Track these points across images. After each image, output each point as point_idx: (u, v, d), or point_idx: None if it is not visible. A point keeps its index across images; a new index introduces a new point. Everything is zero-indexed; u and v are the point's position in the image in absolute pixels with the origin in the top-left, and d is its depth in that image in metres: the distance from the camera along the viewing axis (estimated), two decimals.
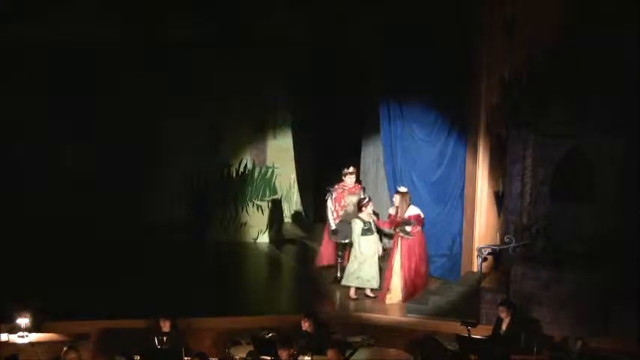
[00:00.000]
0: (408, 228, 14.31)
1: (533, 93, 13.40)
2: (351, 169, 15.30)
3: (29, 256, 15.81)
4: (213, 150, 18.53)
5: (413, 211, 14.45)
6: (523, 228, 13.53)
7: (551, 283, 12.82)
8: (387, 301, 14.31)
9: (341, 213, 15.02)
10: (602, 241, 13.00)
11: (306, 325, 12.05)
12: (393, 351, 12.22)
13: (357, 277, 14.42)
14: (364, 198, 14.73)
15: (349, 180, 15.17)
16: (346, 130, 17.33)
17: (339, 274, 14.96)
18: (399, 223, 14.39)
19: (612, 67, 12.96)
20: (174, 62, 17.68)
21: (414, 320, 13.64)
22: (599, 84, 12.99)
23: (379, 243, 14.65)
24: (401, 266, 14.30)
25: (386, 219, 14.84)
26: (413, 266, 14.34)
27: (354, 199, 14.97)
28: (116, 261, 16.09)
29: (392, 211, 14.65)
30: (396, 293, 14.32)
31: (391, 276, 14.35)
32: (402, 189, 14.62)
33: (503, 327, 12.31)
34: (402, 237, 14.33)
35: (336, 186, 15.20)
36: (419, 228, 14.42)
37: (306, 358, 11.35)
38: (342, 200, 15.08)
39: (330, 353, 10.85)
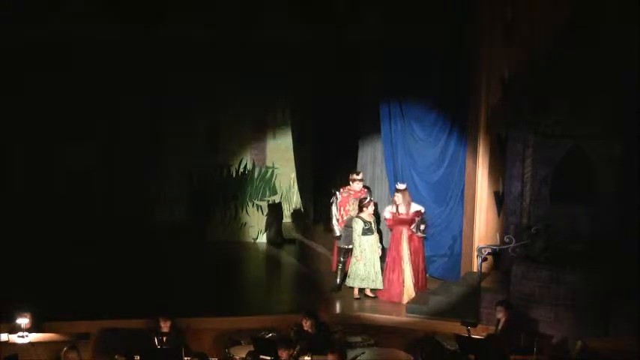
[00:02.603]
0: (422, 227, 14.37)
1: (533, 93, 13.40)
2: (360, 175, 15.14)
3: (28, 256, 15.80)
4: (213, 150, 18.53)
5: (414, 207, 14.47)
6: (523, 228, 13.52)
7: (551, 283, 12.81)
8: (405, 300, 14.16)
9: (345, 218, 14.86)
10: (601, 241, 12.99)
11: (306, 325, 12.04)
12: (393, 351, 12.22)
13: (362, 279, 14.37)
14: (365, 198, 14.66)
15: (357, 186, 15.06)
16: (346, 130, 17.32)
17: (338, 281, 14.71)
18: (403, 221, 14.37)
19: (612, 67, 12.95)
20: (174, 62, 17.68)
21: (414, 320, 13.64)
22: (599, 84, 12.99)
23: (379, 243, 14.65)
24: (411, 263, 14.29)
25: (388, 216, 14.77)
26: (418, 263, 14.40)
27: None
28: (116, 261, 16.09)
29: (393, 209, 14.62)
30: (409, 290, 14.28)
31: (403, 273, 14.29)
32: (401, 186, 14.60)
33: (500, 327, 12.32)
34: (417, 235, 14.37)
35: (342, 190, 15.09)
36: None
37: (306, 358, 11.35)
38: (347, 204, 14.95)
39: (332, 357, 10.71)
